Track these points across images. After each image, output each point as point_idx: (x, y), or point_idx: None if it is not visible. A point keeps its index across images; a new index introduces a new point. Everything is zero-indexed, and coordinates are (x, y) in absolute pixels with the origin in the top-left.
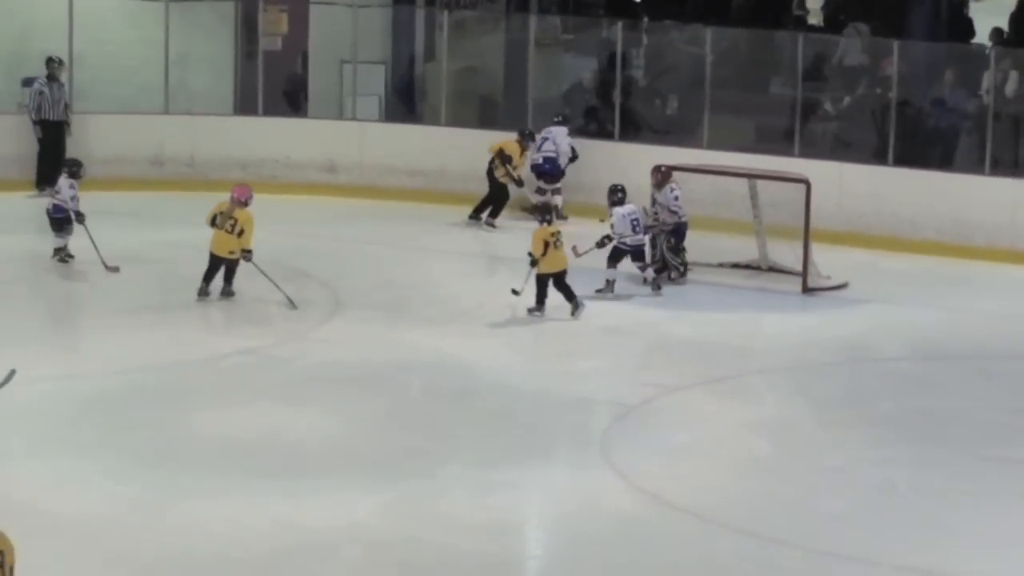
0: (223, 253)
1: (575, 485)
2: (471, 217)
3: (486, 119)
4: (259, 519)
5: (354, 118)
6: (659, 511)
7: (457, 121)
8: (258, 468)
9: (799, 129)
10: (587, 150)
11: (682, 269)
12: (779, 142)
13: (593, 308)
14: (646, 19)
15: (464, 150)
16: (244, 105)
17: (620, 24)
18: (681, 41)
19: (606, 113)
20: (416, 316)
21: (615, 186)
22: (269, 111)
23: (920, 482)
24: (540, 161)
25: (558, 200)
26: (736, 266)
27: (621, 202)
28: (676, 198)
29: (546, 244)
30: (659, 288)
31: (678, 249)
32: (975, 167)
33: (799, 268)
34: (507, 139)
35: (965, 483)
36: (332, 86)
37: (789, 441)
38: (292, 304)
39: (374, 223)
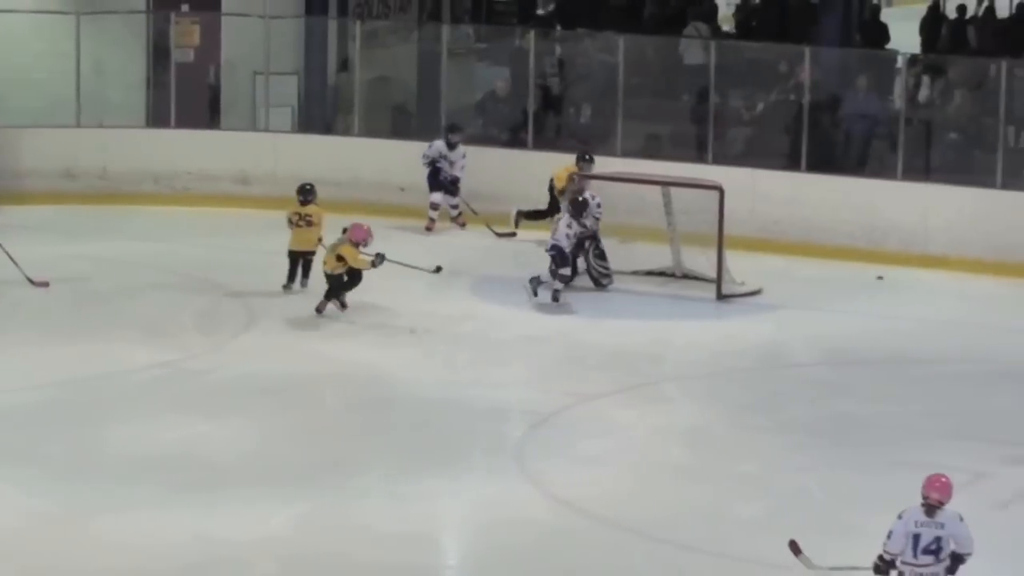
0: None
1: (491, 494)
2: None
3: (399, 129)
4: (174, 532)
5: (267, 129)
6: (575, 519)
7: (370, 131)
8: (173, 481)
9: (712, 136)
10: (501, 159)
11: (610, 275)
12: (692, 149)
13: (508, 316)
14: (559, 27)
15: (377, 160)
16: (157, 117)
17: (533, 33)
18: (594, 49)
19: (519, 122)
20: (330, 327)
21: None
22: (182, 123)
23: (835, 487)
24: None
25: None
26: (650, 273)
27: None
28: (599, 205)
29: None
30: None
31: (603, 255)
32: (887, 172)
33: (713, 275)
34: (570, 164)
35: (879, 487)
36: (245, 97)
37: (704, 447)
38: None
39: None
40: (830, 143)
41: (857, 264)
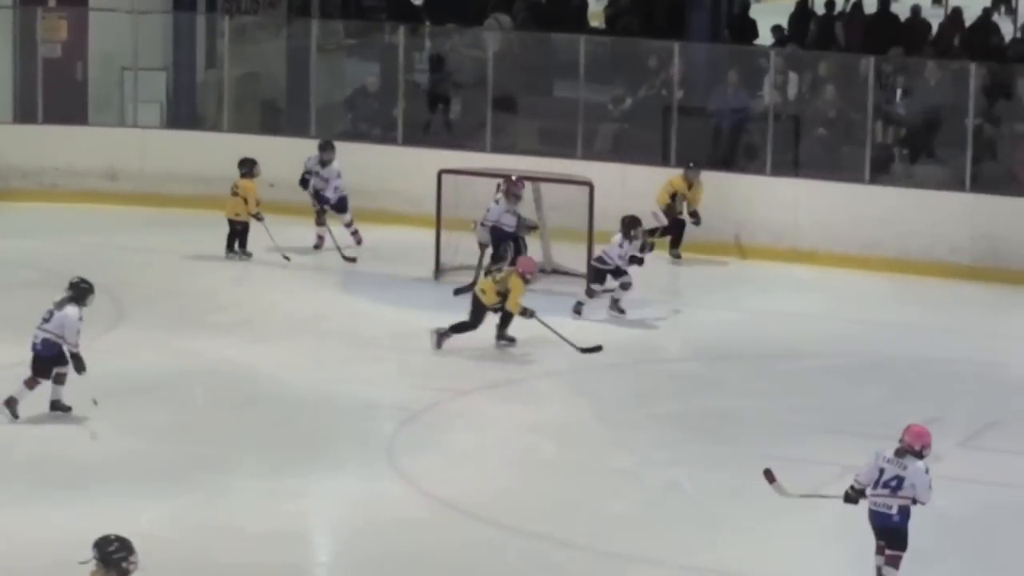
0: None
1: (362, 491)
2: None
3: (268, 125)
4: (43, 531)
5: (135, 125)
6: (446, 515)
7: (239, 127)
8: (42, 480)
9: (582, 131)
10: (371, 155)
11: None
12: (562, 144)
13: (377, 313)
14: (428, 23)
15: (247, 156)
16: (24, 113)
17: (402, 29)
18: (463, 45)
19: (389, 118)
20: (200, 324)
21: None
22: (49, 119)
23: (705, 482)
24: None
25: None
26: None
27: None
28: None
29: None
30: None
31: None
32: (757, 167)
33: (583, 270)
34: (675, 176)
35: (749, 482)
36: (113, 93)
37: (575, 443)
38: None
39: (157, 231)
40: (700, 138)
41: (727, 259)
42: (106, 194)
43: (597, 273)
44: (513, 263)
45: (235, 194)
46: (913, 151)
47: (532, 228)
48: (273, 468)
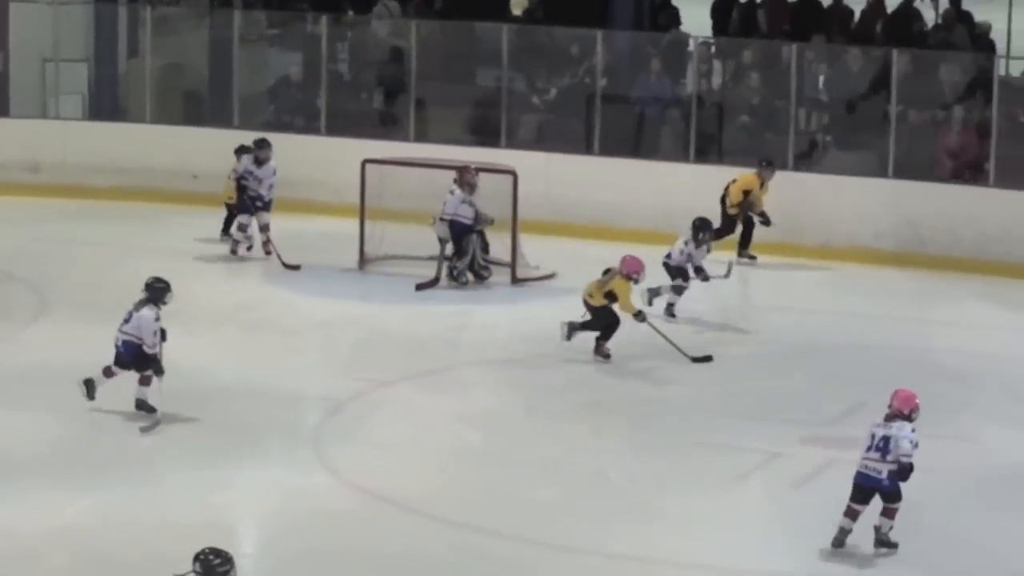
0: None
1: (288, 482)
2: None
3: (191, 116)
4: None
5: (57, 117)
6: (373, 506)
7: (162, 118)
8: None
9: (505, 120)
10: (295, 145)
11: (489, 268)
12: (486, 134)
13: (301, 303)
14: (350, 12)
15: (170, 147)
16: None
17: (325, 18)
18: (385, 33)
19: (312, 108)
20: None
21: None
22: None
23: (632, 469)
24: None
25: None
26: (446, 259)
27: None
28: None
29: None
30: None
31: (487, 248)
32: (680, 155)
33: (508, 259)
34: (747, 173)
35: (675, 468)
36: (34, 85)
37: (502, 432)
38: (705, 358)
39: (80, 223)
40: (623, 127)
41: (651, 247)
42: (28, 186)
43: (668, 270)
44: (486, 250)
45: (231, 179)
46: (836, 138)
47: (490, 222)
48: (199, 460)
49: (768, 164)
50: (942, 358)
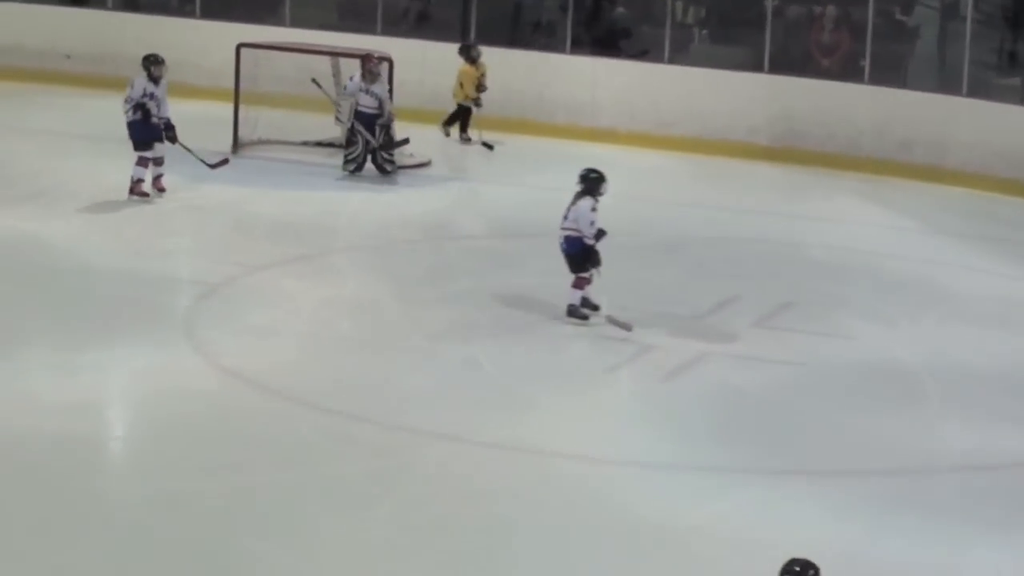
0: None
1: (159, 365)
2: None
3: None
4: None
5: None
6: (243, 390)
7: None
8: None
9: (381, 7)
10: (170, 28)
11: (394, 162)
12: (362, 20)
13: (173, 185)
14: None
15: (41, 27)
16: None
17: None
18: None
19: None
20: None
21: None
22: None
23: (503, 359)
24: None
25: None
26: (319, 144)
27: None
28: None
29: None
30: None
31: (391, 143)
32: (557, 45)
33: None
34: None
35: (545, 357)
36: None
37: (372, 319)
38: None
39: None
40: (500, 15)
41: (527, 137)
42: None
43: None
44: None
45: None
46: (712, 31)
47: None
48: (67, 341)
49: (473, 46)
50: (815, 253)
